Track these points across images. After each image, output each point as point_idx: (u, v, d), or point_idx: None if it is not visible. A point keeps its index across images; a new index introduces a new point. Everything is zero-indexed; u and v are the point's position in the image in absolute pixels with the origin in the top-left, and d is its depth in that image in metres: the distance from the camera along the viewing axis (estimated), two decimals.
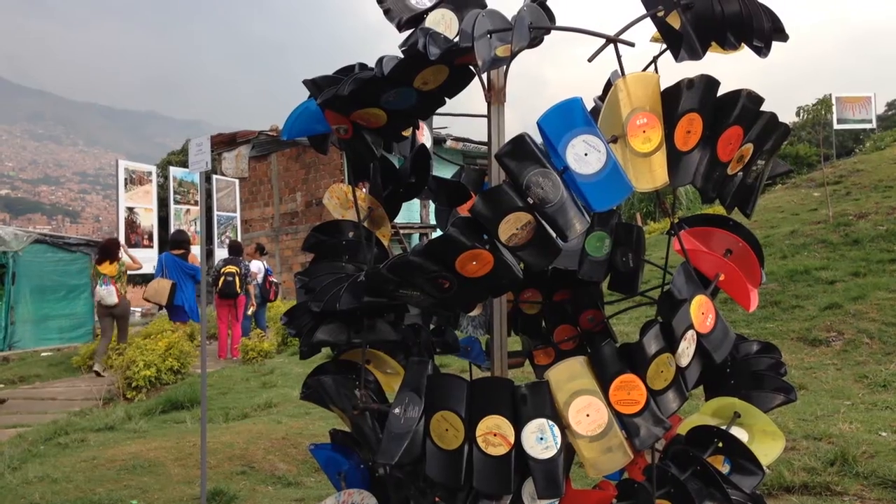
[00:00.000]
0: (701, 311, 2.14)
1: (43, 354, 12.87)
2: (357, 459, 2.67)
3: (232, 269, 11.13)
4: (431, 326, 3.11)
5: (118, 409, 7.33)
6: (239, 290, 11.21)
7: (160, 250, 15.38)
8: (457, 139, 21.73)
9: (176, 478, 4.98)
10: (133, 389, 8.38)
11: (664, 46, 2.24)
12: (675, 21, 2.02)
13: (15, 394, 9.29)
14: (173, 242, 10.79)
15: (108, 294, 9.99)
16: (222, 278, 10.98)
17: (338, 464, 2.68)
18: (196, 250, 13.88)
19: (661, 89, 2.02)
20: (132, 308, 29.94)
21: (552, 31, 2.06)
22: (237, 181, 19.66)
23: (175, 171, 16.80)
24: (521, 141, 1.89)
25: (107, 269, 10.09)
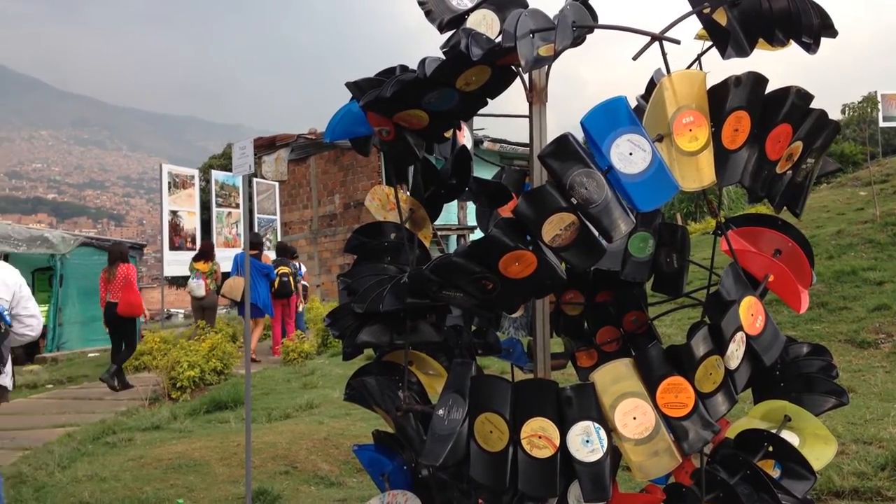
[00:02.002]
0: (750, 312, 2.10)
1: (90, 355, 13.13)
2: (400, 460, 2.67)
3: (285, 269, 11.44)
4: (473, 328, 3.11)
5: (164, 409, 7.45)
6: (293, 290, 11.57)
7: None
8: (494, 140, 21.68)
9: (220, 477, 5.05)
10: (178, 390, 8.51)
11: (709, 44, 2.21)
12: (721, 18, 1.99)
13: (63, 393, 9.50)
14: (249, 244, 11.00)
15: (197, 287, 11.40)
16: (278, 279, 11.23)
17: (381, 465, 2.68)
18: (231, 252, 14.07)
19: (708, 87, 1.99)
20: (173, 309, 30.34)
21: (593, 30, 2.05)
22: (277, 184, 19.88)
23: (217, 175, 17.05)
24: (564, 141, 1.87)
25: (201, 266, 11.51)
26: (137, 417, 7.24)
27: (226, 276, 11.86)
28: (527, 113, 2.41)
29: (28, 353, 13.49)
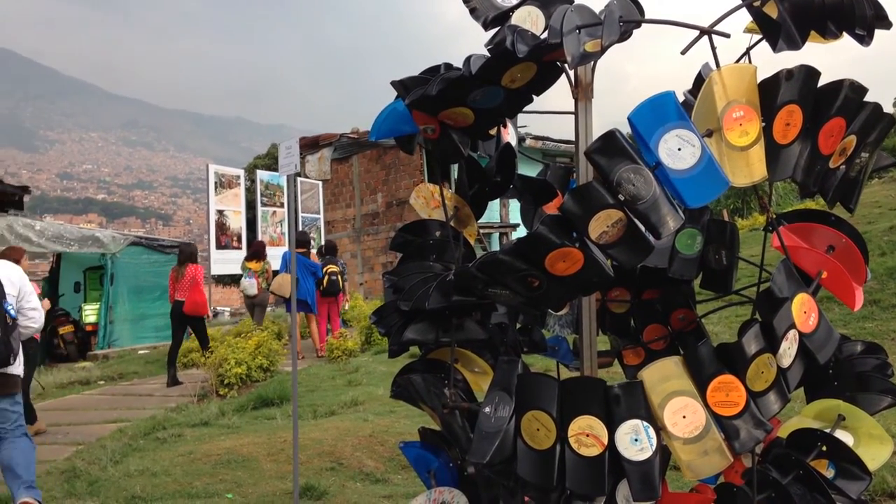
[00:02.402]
0: (803, 309, 2.06)
1: (140, 352, 13.41)
2: (446, 457, 2.68)
3: (334, 268, 11.59)
4: (518, 325, 3.10)
5: (212, 406, 7.58)
6: (340, 288, 11.73)
7: (247, 250, 15.86)
8: (537, 138, 21.58)
9: (268, 473, 5.12)
10: (225, 386, 8.64)
11: (758, 37, 2.18)
12: (772, 10, 1.95)
13: (115, 390, 9.71)
14: (297, 242, 11.25)
15: (249, 285, 11.80)
16: (326, 277, 11.40)
17: (427, 462, 2.69)
18: (279, 252, 14.25)
19: (759, 81, 1.96)
20: (220, 308, 30.87)
21: (640, 25, 2.03)
22: (320, 183, 20.06)
23: (262, 175, 17.27)
24: (611, 137, 1.86)
25: (253, 265, 11.85)
26: (187, 413, 7.37)
27: (274, 273, 12.09)
28: (571, 109, 2.39)
29: (80, 350, 13.84)
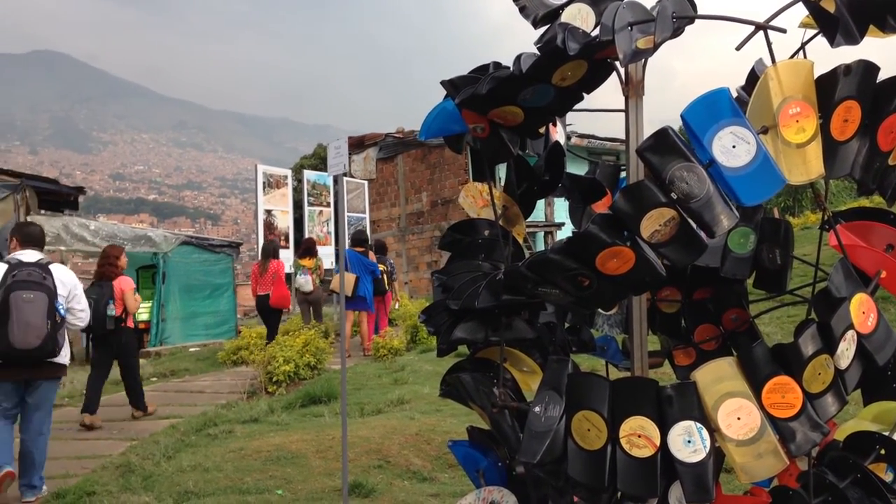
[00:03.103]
0: (861, 310, 2.02)
1: (191, 350, 13.66)
2: (495, 457, 2.68)
3: (381, 267, 11.76)
4: (566, 325, 3.09)
5: (261, 403, 7.69)
6: (387, 287, 11.91)
7: (295, 251, 16.07)
8: (582, 136, 21.44)
9: (317, 469, 5.17)
10: (274, 384, 8.76)
11: (813, 32, 2.13)
12: (829, 5, 1.91)
13: (167, 386, 9.91)
14: (354, 241, 11.71)
15: (305, 282, 11.83)
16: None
17: (476, 461, 2.70)
18: (328, 250, 14.42)
19: (815, 76, 1.92)
20: None
21: (693, 21, 2.00)
22: (366, 182, 20.22)
23: (308, 175, 17.47)
24: (663, 134, 1.84)
25: (306, 262, 11.91)
26: (237, 410, 7.49)
27: (328, 271, 12.27)
28: (620, 107, 2.38)
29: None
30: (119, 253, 7.80)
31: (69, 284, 5.16)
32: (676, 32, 1.95)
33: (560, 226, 21.27)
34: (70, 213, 15.09)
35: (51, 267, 5.10)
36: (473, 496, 2.53)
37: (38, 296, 4.85)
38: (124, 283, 7.57)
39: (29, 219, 12.92)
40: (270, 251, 11.32)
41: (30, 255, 5.09)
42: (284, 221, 15.90)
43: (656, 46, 1.85)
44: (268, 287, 10.92)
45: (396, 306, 12.74)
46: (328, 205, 17.50)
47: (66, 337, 5.13)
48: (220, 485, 4.91)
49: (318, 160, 32.20)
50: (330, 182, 17.68)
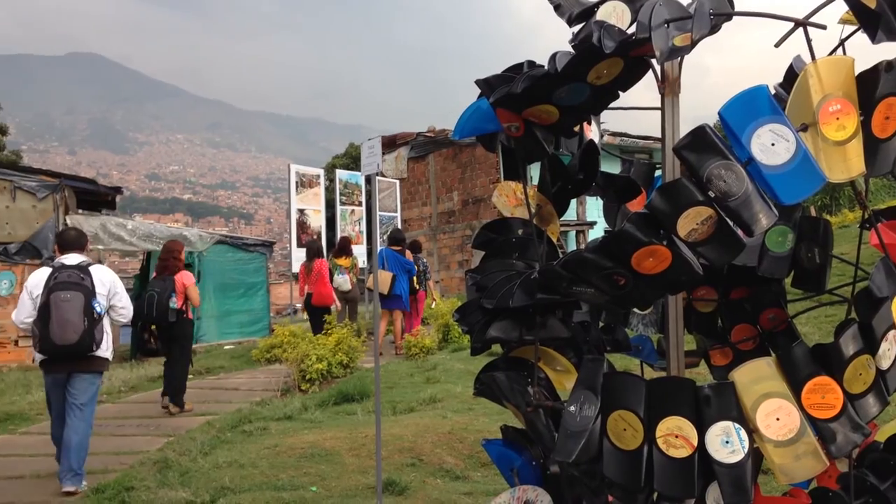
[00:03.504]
0: None
1: (225, 347, 13.83)
2: (529, 456, 2.68)
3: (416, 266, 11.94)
4: (600, 324, 3.07)
5: (295, 400, 7.76)
6: (419, 287, 12.01)
7: (327, 250, 16.18)
8: (614, 134, 21.29)
9: (350, 467, 5.21)
10: (307, 382, 8.84)
11: (853, 28, 2.10)
12: (870, 1, 1.88)
13: (202, 384, 10.04)
14: (391, 240, 11.93)
15: (343, 282, 11.96)
16: None
17: (510, 460, 2.69)
18: (360, 249, 14.51)
19: (856, 73, 1.89)
20: (299, 305, 31.59)
21: (731, 18, 1.98)
22: (397, 182, 20.29)
23: (341, 174, 17.57)
24: (701, 132, 1.82)
25: (343, 261, 12.11)
26: (271, 407, 7.57)
27: (361, 270, 12.38)
28: (652, 104, 2.36)
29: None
30: (181, 248, 8.31)
31: (108, 283, 5.52)
32: (714, 29, 1.93)
33: (592, 224, 21.15)
34: (107, 212, 15.36)
35: (90, 268, 5.47)
36: (508, 495, 2.53)
37: (74, 295, 5.24)
38: (186, 278, 8.03)
39: (68, 218, 13.18)
40: (316, 251, 11.54)
41: (71, 258, 5.49)
42: (317, 221, 16.01)
43: (693, 44, 1.84)
44: (313, 286, 11.16)
45: (433, 305, 12.79)
46: (360, 204, 17.59)
47: (108, 332, 5.49)
48: (255, 481, 4.96)
49: (350, 159, 32.36)
50: (362, 181, 17.77)
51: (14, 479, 5.64)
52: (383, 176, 21.41)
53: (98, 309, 5.33)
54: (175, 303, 7.80)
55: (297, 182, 15.53)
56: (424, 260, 12.58)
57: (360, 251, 14.93)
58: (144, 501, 4.83)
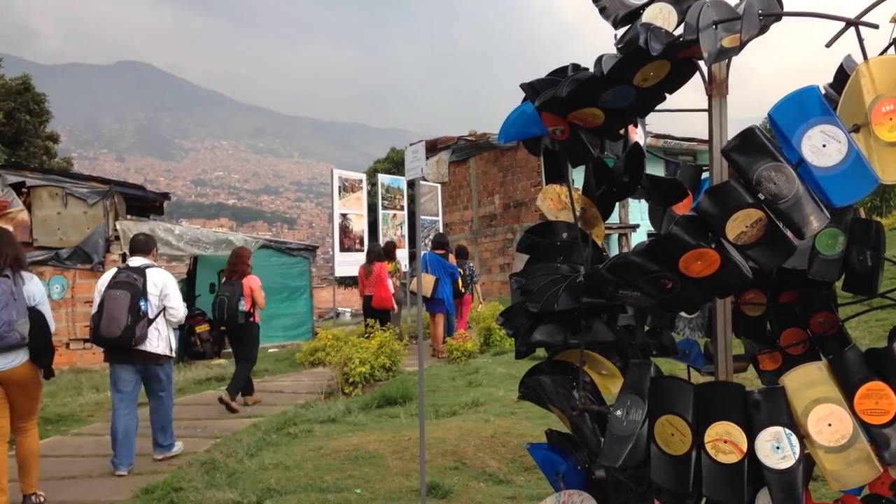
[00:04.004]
0: None
1: (270, 350, 13.99)
2: (574, 460, 2.67)
3: (459, 270, 12.11)
4: (646, 328, 3.05)
5: (338, 403, 7.82)
6: (464, 290, 12.17)
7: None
8: (658, 136, 21.07)
9: (394, 470, 5.24)
10: (350, 385, 8.91)
11: None
12: None
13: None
14: (435, 244, 12.18)
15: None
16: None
17: (555, 464, 2.69)
18: (402, 253, 14.60)
19: None
20: (342, 308, 31.71)
21: (780, 18, 1.96)
22: (439, 186, 20.34)
23: (383, 178, 17.69)
24: (750, 134, 1.81)
25: (386, 265, 11.98)
26: (315, 410, 7.65)
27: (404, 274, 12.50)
28: (698, 106, 2.34)
29: (215, 348, 14.57)
30: (248, 254, 8.85)
31: (160, 285, 6.00)
32: (763, 30, 1.91)
33: (635, 228, 20.96)
34: (155, 217, 15.66)
35: (147, 270, 6.00)
36: (553, 499, 2.53)
37: (122, 294, 5.76)
38: (253, 282, 8.41)
39: (117, 224, 13.48)
40: (376, 254, 11.70)
41: (136, 261, 6.10)
42: (359, 225, 16.14)
43: (742, 45, 1.82)
44: (372, 289, 11.32)
45: (479, 308, 12.84)
46: (402, 208, 17.68)
47: (159, 329, 5.98)
48: (300, 483, 5.02)
49: (392, 164, 32.54)
50: (404, 185, 17.86)
51: (67, 479, 5.79)
52: (425, 180, 21.50)
53: (144, 307, 5.80)
54: (244, 305, 8.20)
55: (340, 187, 15.67)
56: (471, 265, 12.66)
57: (401, 255, 15.01)
58: (193, 502, 4.91)
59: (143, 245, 6.27)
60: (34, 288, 4.98)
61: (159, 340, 5.97)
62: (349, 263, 15.79)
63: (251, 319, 8.37)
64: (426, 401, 7.50)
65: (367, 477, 5.10)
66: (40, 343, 4.91)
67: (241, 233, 19.61)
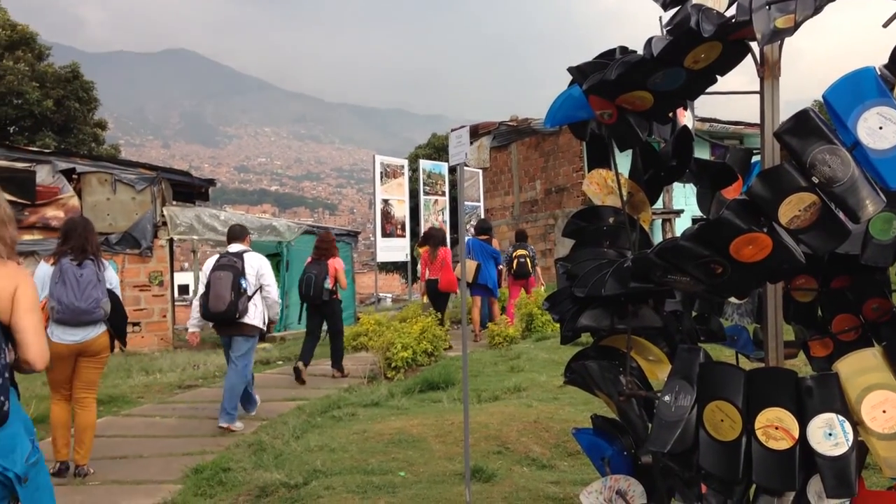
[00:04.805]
0: None
1: None
2: (620, 445, 2.66)
3: (523, 252, 12.46)
4: (693, 314, 3.02)
5: (381, 388, 7.89)
6: (530, 271, 12.50)
7: (411, 240, 16.34)
8: (703, 119, 20.72)
9: (438, 453, 5.28)
10: (392, 369, 8.98)
11: None
12: None
13: (292, 370, 10.33)
14: (479, 229, 12.51)
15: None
16: (515, 261, 12.40)
17: (601, 449, 2.68)
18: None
19: None
20: (383, 294, 31.87)
21: None
22: (480, 171, 20.29)
23: (424, 164, 17.71)
24: (804, 116, 1.78)
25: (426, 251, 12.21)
26: (358, 394, 7.73)
27: (400, 266, 12.66)
28: (744, 88, 2.31)
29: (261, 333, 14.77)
30: (333, 238, 9.79)
31: (256, 266, 6.97)
32: (818, 10, 1.87)
33: (679, 213, 20.67)
34: (201, 203, 15.90)
35: (245, 255, 6.98)
36: (599, 484, 2.53)
37: (225, 274, 6.71)
38: (337, 263, 9.26)
39: (164, 210, 13.73)
40: (440, 239, 11.93)
41: (234, 247, 7.09)
42: (401, 210, 16.20)
43: (797, 25, 1.79)
44: (436, 272, 11.55)
45: (542, 290, 12.96)
46: (443, 194, 17.71)
47: (257, 305, 6.90)
48: (345, 465, 5.08)
49: (433, 149, 32.54)
50: (445, 171, 17.86)
51: (118, 458, 5.94)
52: (467, 166, 21.48)
53: (244, 286, 6.74)
54: (328, 283, 9.04)
55: (381, 172, 15.74)
56: (531, 247, 13.01)
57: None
58: (241, 482, 5.01)
59: (238, 233, 7.26)
60: (109, 273, 5.61)
61: (255, 314, 6.89)
62: (391, 249, 15.88)
63: (334, 297, 9.19)
64: (469, 386, 7.54)
65: (411, 460, 5.14)
66: (119, 319, 5.59)
67: (283, 218, 19.83)
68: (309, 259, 9.48)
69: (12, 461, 2.56)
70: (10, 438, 2.59)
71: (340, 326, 9.54)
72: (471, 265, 11.45)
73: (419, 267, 12.58)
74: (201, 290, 6.88)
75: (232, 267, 6.79)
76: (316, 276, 9.01)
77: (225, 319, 6.74)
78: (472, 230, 13.46)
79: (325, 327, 9.56)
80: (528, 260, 12.35)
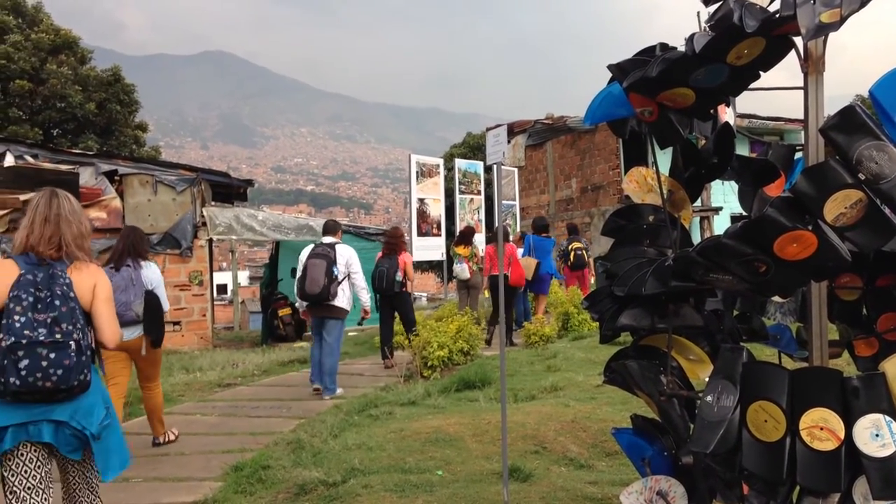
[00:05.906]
0: None
1: (350, 334, 14.22)
2: (661, 445, 2.65)
3: (579, 244, 13.37)
4: (735, 313, 2.98)
5: (418, 387, 7.90)
6: (587, 262, 13.13)
7: (447, 239, 16.36)
8: (742, 115, 20.43)
9: (475, 452, 5.28)
10: (428, 368, 8.99)
11: None
12: None
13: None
14: (538, 227, 12.81)
15: (461, 270, 12.53)
16: (572, 253, 13.22)
17: (641, 449, 2.67)
18: (479, 238, 14.62)
19: None
20: (418, 293, 31.93)
21: None
22: (515, 170, 20.24)
23: (459, 163, 17.71)
24: (850, 112, 1.75)
25: (462, 250, 12.49)
26: (395, 393, 7.76)
27: (435, 265, 12.76)
28: (785, 84, 2.27)
29: (297, 331, 14.91)
30: (402, 233, 10.53)
31: (346, 256, 8.04)
32: (864, 4, 1.84)
33: (717, 210, 20.42)
34: (239, 204, 16.08)
35: (336, 246, 8.05)
36: (640, 485, 2.51)
37: (319, 262, 7.76)
38: (407, 257, 9.95)
39: (204, 210, 13.92)
40: (504, 236, 12.09)
41: (327, 239, 8.15)
42: (437, 209, 16.23)
43: (843, 20, 1.76)
44: (506, 268, 11.58)
45: (593, 281, 13.06)
46: (479, 192, 17.70)
47: (345, 290, 8.03)
48: (383, 463, 5.10)
49: (468, 148, 32.54)
50: (481, 170, 17.85)
51: (160, 456, 6.03)
52: (503, 164, 21.45)
53: (335, 272, 7.78)
54: (400, 277, 9.67)
55: (417, 172, 15.78)
56: (584, 240, 13.64)
57: (479, 239, 15.01)
58: (280, 480, 5.06)
59: (331, 228, 8.37)
60: (151, 274, 5.90)
61: (343, 298, 7.95)
62: (427, 248, 15.90)
63: (403, 289, 9.81)
64: (506, 385, 7.53)
65: (448, 459, 5.15)
66: (150, 320, 5.77)
67: (320, 218, 19.97)
68: (379, 254, 10.09)
69: (90, 422, 3.14)
70: (90, 405, 3.17)
71: (412, 316, 10.13)
72: (531, 263, 11.88)
73: (484, 262, 12.68)
74: (298, 273, 7.92)
75: (325, 256, 7.81)
76: (388, 270, 9.67)
77: (318, 300, 7.75)
78: (531, 228, 13.52)
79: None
80: (584, 252, 13.02)
